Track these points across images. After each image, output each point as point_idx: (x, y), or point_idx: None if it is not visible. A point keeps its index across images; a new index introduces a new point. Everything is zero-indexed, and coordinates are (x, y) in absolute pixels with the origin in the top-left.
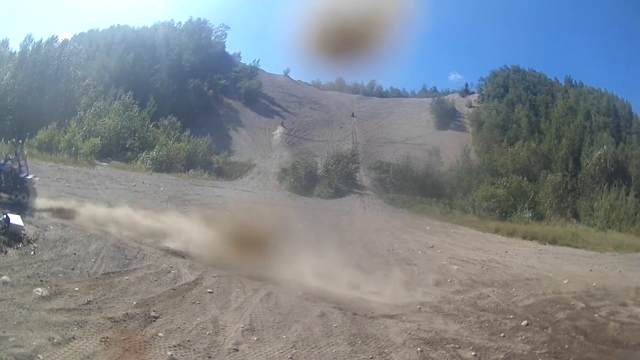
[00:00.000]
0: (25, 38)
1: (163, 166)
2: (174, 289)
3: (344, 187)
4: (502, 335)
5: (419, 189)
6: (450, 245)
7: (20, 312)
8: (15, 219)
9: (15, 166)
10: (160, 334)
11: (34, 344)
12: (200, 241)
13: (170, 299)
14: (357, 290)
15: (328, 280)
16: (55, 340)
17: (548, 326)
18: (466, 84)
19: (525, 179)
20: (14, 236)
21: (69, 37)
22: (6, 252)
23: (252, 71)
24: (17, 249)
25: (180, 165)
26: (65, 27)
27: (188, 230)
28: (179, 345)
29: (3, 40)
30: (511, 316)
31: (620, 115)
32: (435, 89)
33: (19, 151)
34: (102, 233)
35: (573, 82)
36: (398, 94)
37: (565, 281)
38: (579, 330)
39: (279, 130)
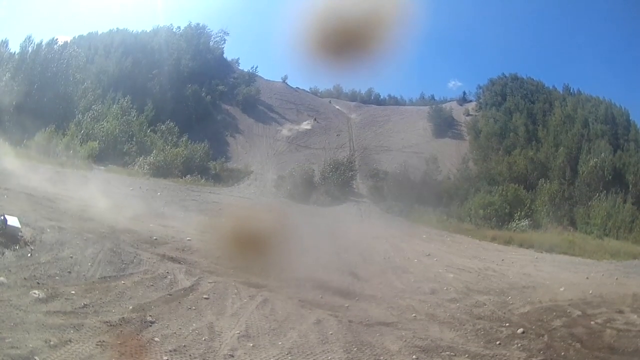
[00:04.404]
0: (25, 39)
1: (160, 171)
2: (170, 294)
3: (340, 195)
4: (497, 343)
5: (416, 197)
6: (447, 253)
7: (17, 314)
8: (12, 221)
9: None
10: (156, 339)
11: (31, 345)
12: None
13: (166, 304)
14: (352, 298)
15: (323, 288)
16: (51, 343)
17: (544, 334)
18: (464, 92)
19: (522, 187)
20: (11, 238)
21: (68, 39)
22: (3, 254)
23: (250, 77)
24: (14, 250)
25: (178, 170)
26: (64, 29)
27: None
28: (174, 350)
29: (2, 40)
30: (507, 324)
31: (618, 123)
32: (433, 97)
33: None
34: (99, 237)
35: (571, 90)
36: (396, 101)
37: (561, 289)
38: (576, 338)
39: (308, 122)
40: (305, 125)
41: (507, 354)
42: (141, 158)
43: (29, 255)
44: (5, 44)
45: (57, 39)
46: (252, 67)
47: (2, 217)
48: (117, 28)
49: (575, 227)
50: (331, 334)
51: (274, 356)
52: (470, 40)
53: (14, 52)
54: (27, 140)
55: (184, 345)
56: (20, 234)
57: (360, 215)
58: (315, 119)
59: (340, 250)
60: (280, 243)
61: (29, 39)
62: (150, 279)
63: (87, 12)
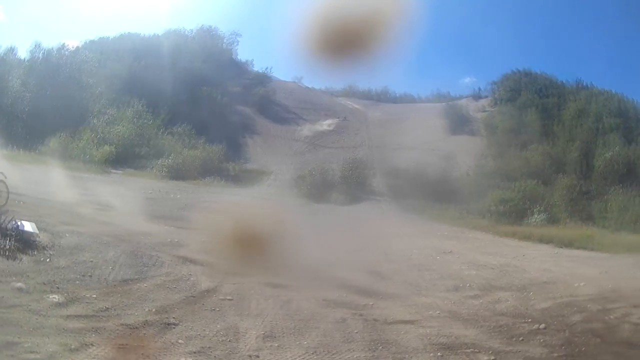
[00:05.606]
0: (35, 45)
1: (178, 174)
2: (192, 296)
3: (360, 194)
4: (520, 339)
5: (434, 194)
6: (467, 250)
7: (36, 319)
8: (28, 226)
9: None
10: (180, 341)
11: (50, 350)
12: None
13: (188, 306)
14: (375, 296)
15: (346, 286)
16: (71, 347)
17: (564, 329)
18: (479, 89)
19: (539, 182)
20: (28, 243)
21: (77, 43)
22: (20, 259)
23: (265, 78)
24: (31, 255)
25: (196, 172)
26: (72, 34)
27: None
28: (198, 351)
29: (10, 47)
30: (529, 320)
31: (631, 117)
32: (448, 94)
33: None
34: (118, 241)
35: (583, 84)
36: (411, 99)
37: (580, 284)
38: (595, 333)
39: (330, 123)
40: (328, 126)
41: (529, 350)
42: (159, 161)
43: (48, 260)
44: (13, 50)
45: (66, 44)
46: (266, 68)
47: (19, 223)
48: (128, 32)
49: (593, 222)
50: (356, 332)
51: (299, 356)
52: (484, 35)
53: (24, 59)
54: (41, 146)
55: (209, 347)
56: (38, 239)
57: (380, 213)
58: (345, 118)
59: (362, 248)
60: (302, 243)
61: (38, 45)
62: (171, 281)
63: (96, 17)
